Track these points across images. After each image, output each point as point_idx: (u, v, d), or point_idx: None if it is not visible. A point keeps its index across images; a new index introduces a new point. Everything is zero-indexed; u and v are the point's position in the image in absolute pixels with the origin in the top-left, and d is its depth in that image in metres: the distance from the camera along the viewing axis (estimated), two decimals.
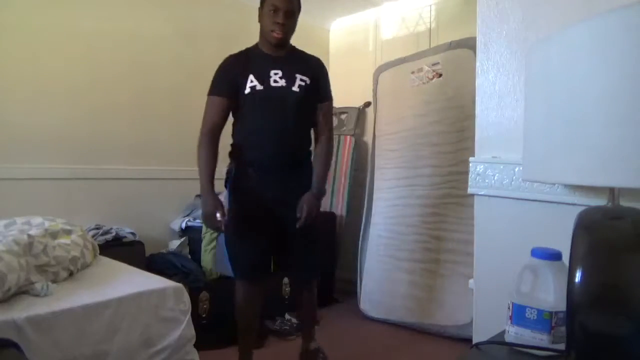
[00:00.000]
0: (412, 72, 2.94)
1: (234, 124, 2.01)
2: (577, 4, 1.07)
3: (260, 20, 1.94)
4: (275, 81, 1.90)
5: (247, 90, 1.89)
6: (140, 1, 2.83)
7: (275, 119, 1.90)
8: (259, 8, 1.94)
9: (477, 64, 1.29)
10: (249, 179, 1.93)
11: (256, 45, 2.01)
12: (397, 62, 3.08)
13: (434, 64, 2.84)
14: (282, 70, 1.91)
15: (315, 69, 2.01)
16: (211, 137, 1.91)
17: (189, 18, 3.03)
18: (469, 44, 2.60)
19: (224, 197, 1.99)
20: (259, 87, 1.89)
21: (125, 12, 2.76)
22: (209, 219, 1.84)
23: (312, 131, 2.07)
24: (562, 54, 0.79)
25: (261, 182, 1.92)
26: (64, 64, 2.53)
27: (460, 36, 2.74)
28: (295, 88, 1.91)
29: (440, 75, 2.80)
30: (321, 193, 1.98)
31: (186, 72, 2.98)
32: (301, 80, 1.93)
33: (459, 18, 3.03)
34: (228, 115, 1.97)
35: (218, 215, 1.80)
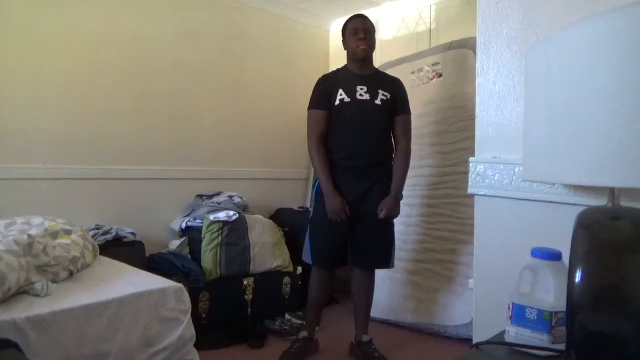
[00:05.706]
0: (412, 72, 2.94)
1: None
2: (577, 4, 1.07)
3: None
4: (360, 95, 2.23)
5: None
6: (140, 2, 2.82)
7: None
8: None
9: (477, 64, 1.29)
10: None
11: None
12: (397, 62, 3.08)
13: (434, 64, 2.84)
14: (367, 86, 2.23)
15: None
16: None
17: (189, 18, 3.03)
18: (469, 44, 2.60)
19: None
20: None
21: (126, 12, 2.76)
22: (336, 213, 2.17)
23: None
24: (562, 54, 0.79)
25: None
26: (64, 64, 2.53)
27: (460, 36, 2.74)
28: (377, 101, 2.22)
29: (440, 75, 2.80)
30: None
31: (186, 72, 2.97)
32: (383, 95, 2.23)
33: (459, 18, 3.03)
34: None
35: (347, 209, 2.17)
